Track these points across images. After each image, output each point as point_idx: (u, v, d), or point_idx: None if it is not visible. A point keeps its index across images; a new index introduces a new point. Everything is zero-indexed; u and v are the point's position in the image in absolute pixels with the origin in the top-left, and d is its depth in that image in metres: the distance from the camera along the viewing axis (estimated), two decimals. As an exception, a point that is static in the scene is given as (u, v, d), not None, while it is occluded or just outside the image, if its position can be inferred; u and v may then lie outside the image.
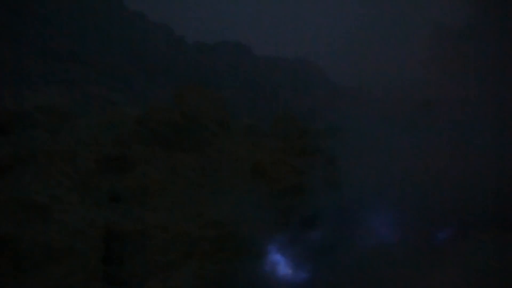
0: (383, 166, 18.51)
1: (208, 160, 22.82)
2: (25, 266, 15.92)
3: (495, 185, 17.00)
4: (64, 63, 73.77)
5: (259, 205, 19.36)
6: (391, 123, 19.50)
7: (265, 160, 21.84)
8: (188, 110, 23.15)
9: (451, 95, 18.94)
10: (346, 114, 21.89)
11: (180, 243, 17.95)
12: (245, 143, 24.08)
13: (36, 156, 18.48)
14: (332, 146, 21.26)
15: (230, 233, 18.22)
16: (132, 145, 22.51)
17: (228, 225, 18.42)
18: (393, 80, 20.44)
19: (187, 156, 22.86)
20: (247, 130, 26.48)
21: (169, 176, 21.56)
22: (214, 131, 23.65)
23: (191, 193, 20.69)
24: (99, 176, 20.63)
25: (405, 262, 16.14)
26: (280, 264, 18.37)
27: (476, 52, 18.29)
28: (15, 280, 15.64)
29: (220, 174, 21.46)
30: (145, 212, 19.33)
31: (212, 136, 23.46)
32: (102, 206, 19.25)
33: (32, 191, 17.15)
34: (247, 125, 27.70)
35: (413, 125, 19.32)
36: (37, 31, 77.36)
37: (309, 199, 19.70)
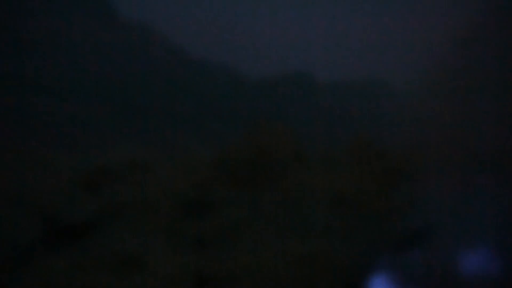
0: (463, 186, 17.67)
1: (287, 194, 22.67)
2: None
3: None
4: (138, 115, 77.80)
5: (347, 234, 18.81)
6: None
7: (346, 187, 21.34)
8: (262, 147, 23.27)
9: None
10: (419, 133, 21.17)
11: (272, 283, 17.69)
12: (322, 172, 23.73)
13: (123, 209, 19.22)
14: (411, 166, 20.52)
15: (323, 267, 17.73)
16: (211, 187, 22.88)
17: (319, 259, 17.96)
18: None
19: (266, 193, 22.84)
20: (323, 159, 26.12)
21: (251, 214, 21.58)
22: (290, 164, 23.55)
23: (275, 229, 20.53)
24: (184, 222, 21.06)
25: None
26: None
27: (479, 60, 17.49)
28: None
29: (302, 206, 21.19)
30: (232, 254, 19.36)
31: (288, 169, 23.36)
32: (190, 251, 19.54)
33: (124, 243, 17.78)
34: (322, 153, 27.35)
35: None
36: (109, 87, 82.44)
37: (396, 222, 18.97)
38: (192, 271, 18.06)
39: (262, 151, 23.19)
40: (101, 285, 16.66)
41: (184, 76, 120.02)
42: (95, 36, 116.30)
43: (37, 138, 50.00)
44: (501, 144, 16.78)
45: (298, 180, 22.77)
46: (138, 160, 27.14)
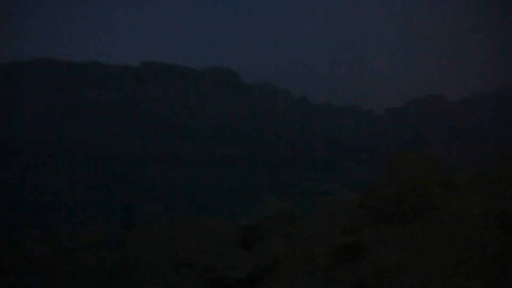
0: None
1: (441, 225, 21.31)
2: None
3: None
4: (277, 170, 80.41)
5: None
6: None
7: (507, 207, 19.47)
8: (406, 179, 22.44)
9: None
10: None
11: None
12: (476, 195, 21.99)
13: (279, 262, 19.71)
14: None
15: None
16: (360, 229, 22.48)
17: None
18: None
19: (418, 227, 21.74)
20: (473, 181, 24.26)
21: (406, 252, 20.61)
22: (438, 192, 22.25)
23: (435, 266, 19.27)
24: (338, 268, 20.85)
25: None
26: None
27: None
28: None
29: (464, 235, 19.68)
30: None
31: (437, 198, 22.07)
32: (350, 297, 19.18)
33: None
34: (471, 175, 25.42)
35: None
36: (240, 148, 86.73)
37: None
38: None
39: (406, 184, 22.32)
40: None
41: (311, 121, 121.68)
42: (230, 104, 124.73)
43: (186, 206, 54.00)
44: None
45: (450, 208, 21.33)
46: (283, 213, 27.90)
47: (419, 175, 22.59)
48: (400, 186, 22.44)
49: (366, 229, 22.15)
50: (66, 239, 39.41)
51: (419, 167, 22.88)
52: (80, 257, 35.29)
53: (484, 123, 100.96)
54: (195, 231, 38.74)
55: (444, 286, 18.24)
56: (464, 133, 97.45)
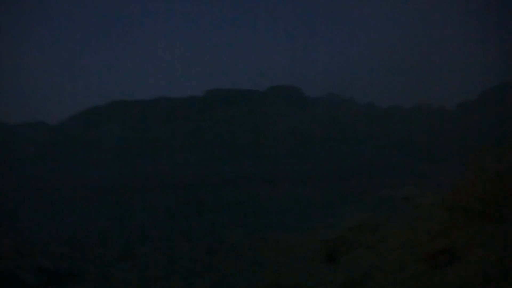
0: None
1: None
2: None
3: None
4: (350, 180, 79.10)
5: None
6: None
7: None
8: (493, 174, 21.33)
9: None
10: None
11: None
12: None
13: (369, 274, 19.27)
14: None
15: None
16: (449, 232, 21.54)
17: None
18: None
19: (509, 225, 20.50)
20: None
21: (505, 252, 19.42)
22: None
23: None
24: (432, 275, 20.04)
25: None
26: None
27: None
28: None
29: None
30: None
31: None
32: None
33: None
34: None
35: None
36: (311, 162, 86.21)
37: None
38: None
39: (495, 178, 21.18)
40: None
41: (380, 126, 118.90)
42: (296, 119, 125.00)
43: (265, 225, 54.33)
44: None
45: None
46: (365, 224, 27.33)
47: (507, 169, 21.39)
48: (488, 182, 21.31)
49: (456, 231, 21.18)
50: (155, 269, 40.86)
51: (506, 160, 21.66)
52: (171, 285, 36.39)
53: None
54: (278, 250, 38.84)
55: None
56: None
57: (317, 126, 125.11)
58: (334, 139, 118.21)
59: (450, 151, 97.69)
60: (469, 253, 19.83)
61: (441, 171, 77.33)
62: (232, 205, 64.70)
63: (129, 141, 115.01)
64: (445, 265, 20.60)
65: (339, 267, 21.97)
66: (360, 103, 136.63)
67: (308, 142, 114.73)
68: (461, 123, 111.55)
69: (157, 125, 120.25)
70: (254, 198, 67.60)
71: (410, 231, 23.71)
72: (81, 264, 40.79)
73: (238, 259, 40.85)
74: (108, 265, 41.49)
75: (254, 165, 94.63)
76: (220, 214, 60.52)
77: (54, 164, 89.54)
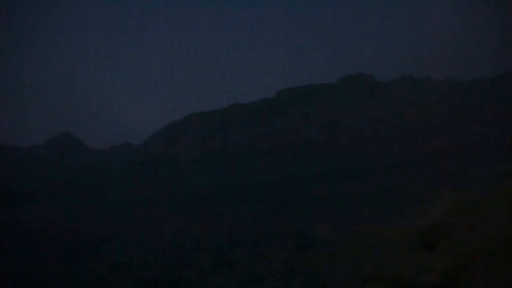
0: None
1: None
2: None
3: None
4: (437, 162, 75.75)
5: None
6: None
7: None
8: None
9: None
10: None
11: None
12: None
13: (474, 259, 18.24)
14: None
15: None
16: None
17: None
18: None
19: None
20: None
21: None
22: None
23: None
24: None
25: None
26: None
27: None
28: None
29: None
30: None
31: None
32: None
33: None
34: None
35: None
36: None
37: None
38: None
39: None
40: None
41: (463, 101, 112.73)
42: (370, 107, 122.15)
43: (354, 218, 53.30)
44: None
45: None
46: (462, 204, 25.90)
47: None
48: None
49: None
50: (250, 272, 41.52)
51: None
52: (268, 286, 36.80)
53: None
54: (372, 242, 37.90)
55: None
56: None
57: (394, 110, 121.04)
58: (414, 121, 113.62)
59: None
60: None
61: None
62: (318, 202, 64.30)
63: (210, 150, 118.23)
64: None
65: (439, 254, 20.98)
66: (438, 80, 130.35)
67: (386, 128, 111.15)
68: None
69: (234, 131, 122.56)
70: (340, 192, 66.66)
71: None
72: (180, 272, 42.46)
73: (331, 255, 40.42)
74: (205, 271, 42.82)
75: (335, 160, 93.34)
76: (306, 212, 60.37)
77: (142, 182, 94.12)
